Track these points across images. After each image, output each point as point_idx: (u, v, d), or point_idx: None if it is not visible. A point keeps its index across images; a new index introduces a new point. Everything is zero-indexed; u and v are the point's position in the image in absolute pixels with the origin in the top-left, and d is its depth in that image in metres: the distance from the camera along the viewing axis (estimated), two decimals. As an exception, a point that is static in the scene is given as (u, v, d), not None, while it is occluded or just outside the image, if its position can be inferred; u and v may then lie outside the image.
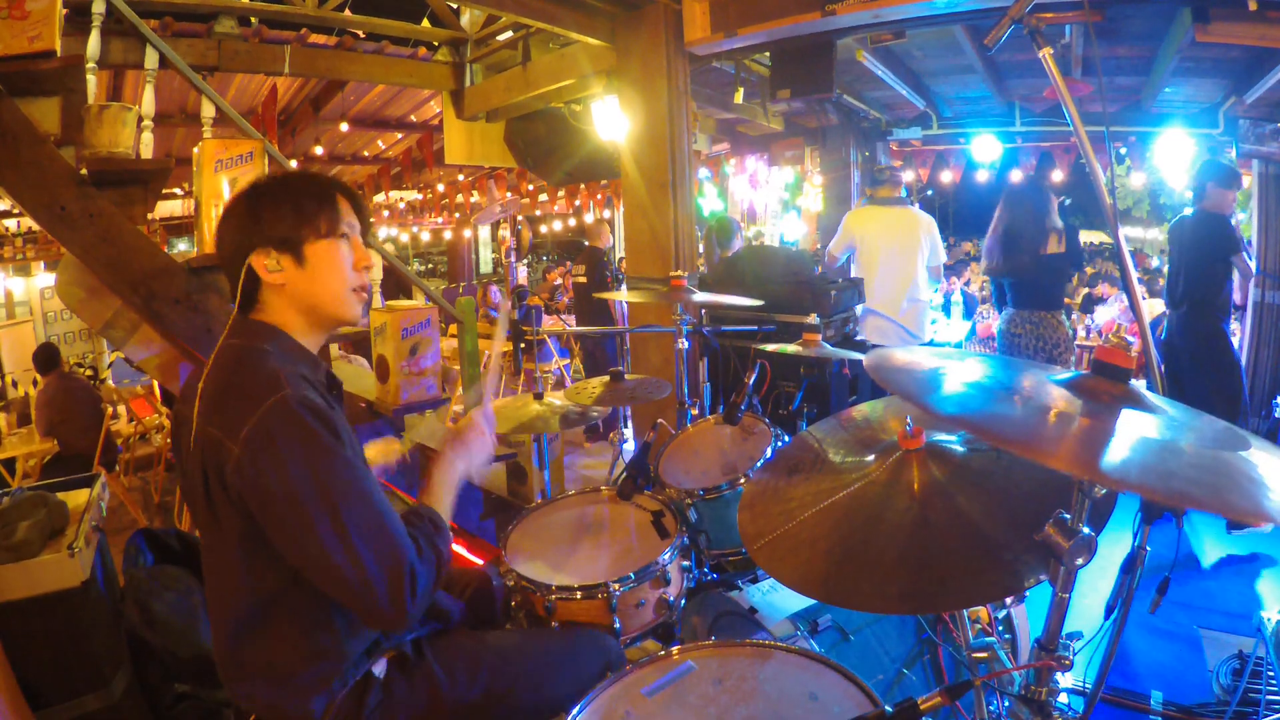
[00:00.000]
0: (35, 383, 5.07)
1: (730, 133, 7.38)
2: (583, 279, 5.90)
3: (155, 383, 5.55)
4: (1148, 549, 1.16)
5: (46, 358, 4.98)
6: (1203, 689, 2.32)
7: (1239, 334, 4.96)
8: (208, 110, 3.15)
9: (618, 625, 1.44)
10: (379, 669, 1.19)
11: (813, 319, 2.32)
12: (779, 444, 1.84)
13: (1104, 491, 0.91)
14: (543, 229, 15.82)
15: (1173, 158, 5.50)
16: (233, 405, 1.05)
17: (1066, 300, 5.87)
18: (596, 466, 4.95)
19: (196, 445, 1.08)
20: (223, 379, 1.11)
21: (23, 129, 2.34)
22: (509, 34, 4.67)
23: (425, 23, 4.86)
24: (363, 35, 4.44)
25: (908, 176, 7.45)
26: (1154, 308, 7.12)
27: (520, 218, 12.10)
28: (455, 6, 4.60)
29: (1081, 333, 7.55)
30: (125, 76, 4.65)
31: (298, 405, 1.04)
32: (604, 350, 5.69)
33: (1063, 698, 1.02)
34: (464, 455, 1.31)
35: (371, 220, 1.32)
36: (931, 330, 4.19)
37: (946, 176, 6.94)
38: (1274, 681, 1.99)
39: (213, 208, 2.78)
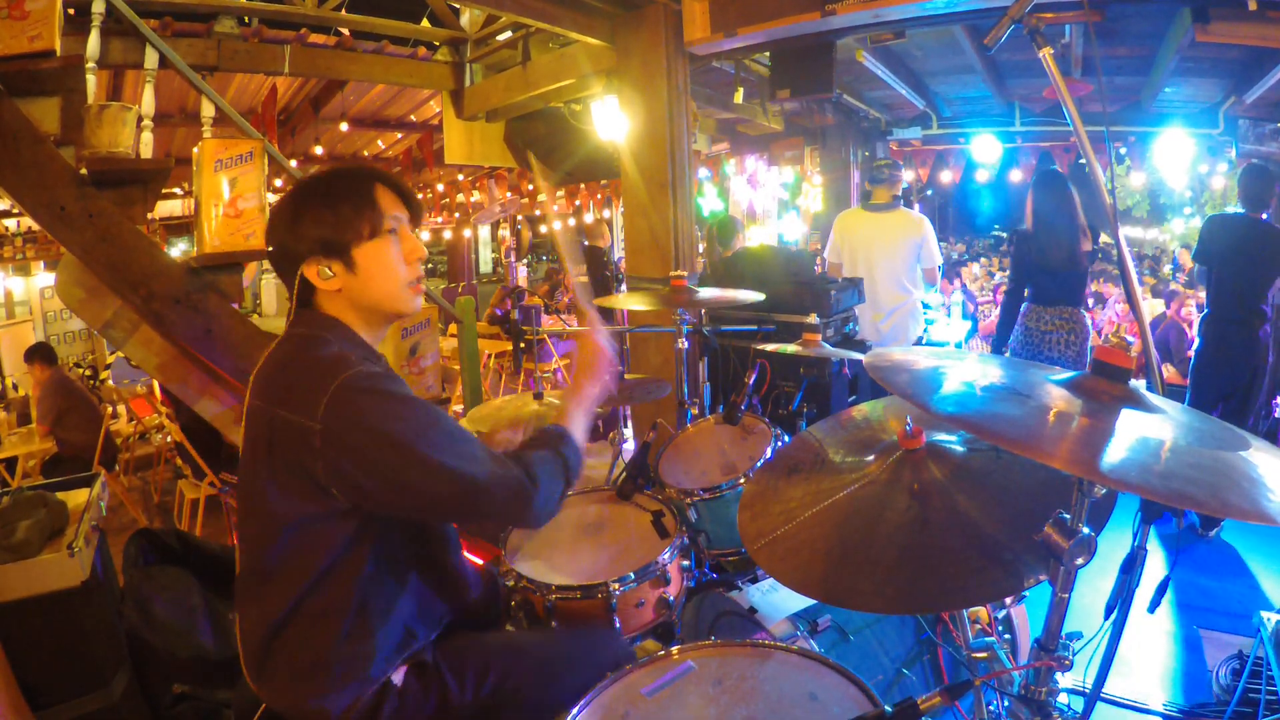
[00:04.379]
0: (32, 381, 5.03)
1: (730, 132, 7.38)
2: (584, 278, 5.90)
3: (155, 383, 5.55)
4: (1147, 549, 1.16)
5: (48, 352, 4.98)
6: (1203, 689, 2.32)
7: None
8: (207, 110, 3.15)
9: (617, 625, 1.44)
10: (398, 678, 1.19)
11: (813, 319, 2.31)
12: (779, 444, 1.84)
13: (1104, 491, 0.91)
14: (542, 229, 15.82)
15: (1172, 157, 5.50)
16: (302, 388, 1.07)
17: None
18: (596, 466, 4.93)
19: (260, 429, 1.10)
20: (287, 364, 1.14)
21: (23, 129, 2.33)
22: (509, 34, 4.68)
23: (425, 22, 4.86)
24: (362, 35, 4.44)
25: (907, 176, 7.47)
26: (1154, 308, 7.13)
27: (520, 218, 12.10)
28: (455, 6, 4.60)
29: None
30: (125, 76, 4.65)
31: (366, 377, 1.08)
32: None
33: (1062, 698, 1.01)
34: (595, 379, 1.35)
35: (419, 199, 1.33)
36: (920, 332, 4.15)
37: (946, 176, 6.95)
38: (1274, 681, 1.99)
39: (212, 207, 2.77)
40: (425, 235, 15.35)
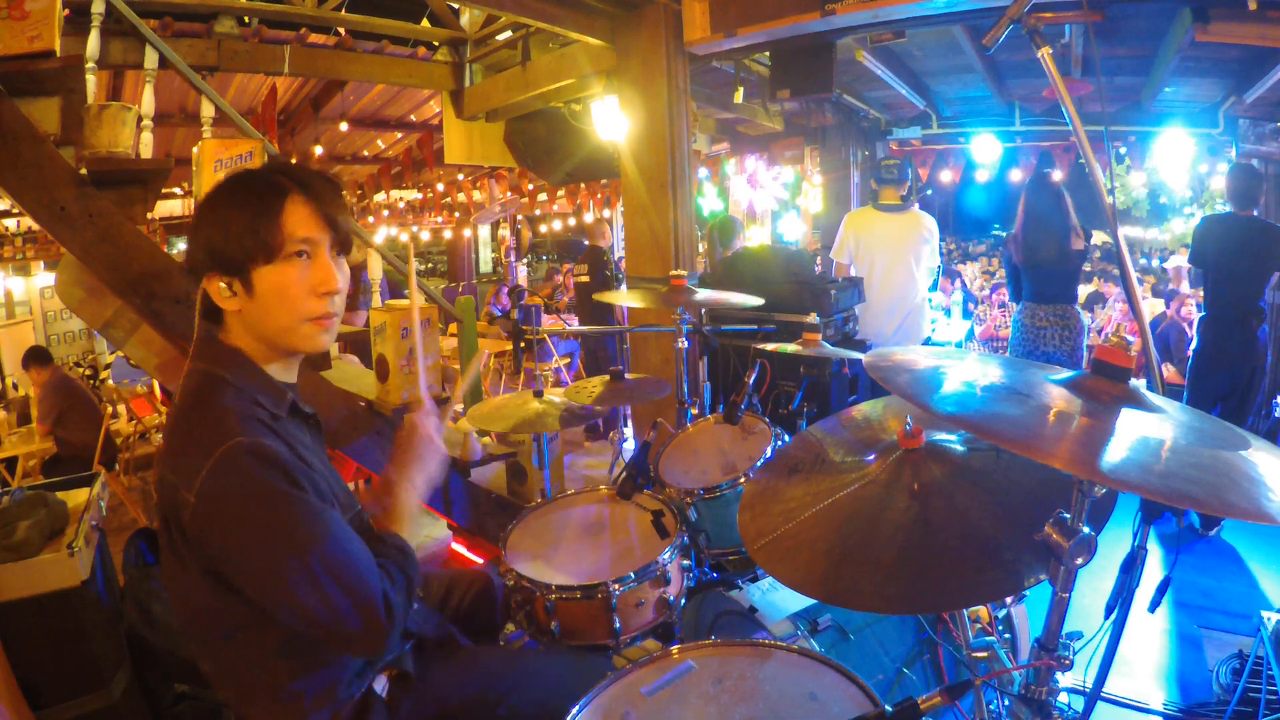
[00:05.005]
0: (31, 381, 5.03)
1: (730, 132, 7.38)
2: (585, 278, 5.91)
3: (155, 382, 5.55)
4: (1147, 549, 1.16)
5: (43, 354, 4.98)
6: (1203, 689, 2.33)
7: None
8: (207, 110, 3.15)
9: (617, 625, 1.44)
10: (380, 686, 1.17)
11: (812, 318, 2.32)
12: (779, 443, 1.84)
13: (1104, 491, 0.91)
14: (542, 228, 15.82)
15: (1172, 157, 5.49)
16: (187, 451, 1.00)
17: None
18: (596, 466, 4.94)
19: (158, 483, 1.04)
20: (181, 417, 1.06)
21: (23, 129, 2.33)
22: (508, 34, 4.68)
23: (425, 22, 4.87)
24: (362, 35, 4.44)
25: (907, 176, 7.47)
26: (1154, 307, 7.13)
27: (520, 217, 12.11)
28: (455, 6, 4.60)
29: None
30: (125, 76, 4.65)
31: (248, 454, 0.98)
32: (605, 349, 5.69)
33: (1063, 697, 1.01)
34: (418, 469, 1.22)
35: (353, 221, 1.17)
36: (929, 330, 4.18)
37: (946, 176, 6.94)
38: (1274, 681, 1.99)
39: (212, 208, 2.77)
40: (425, 235, 15.37)
